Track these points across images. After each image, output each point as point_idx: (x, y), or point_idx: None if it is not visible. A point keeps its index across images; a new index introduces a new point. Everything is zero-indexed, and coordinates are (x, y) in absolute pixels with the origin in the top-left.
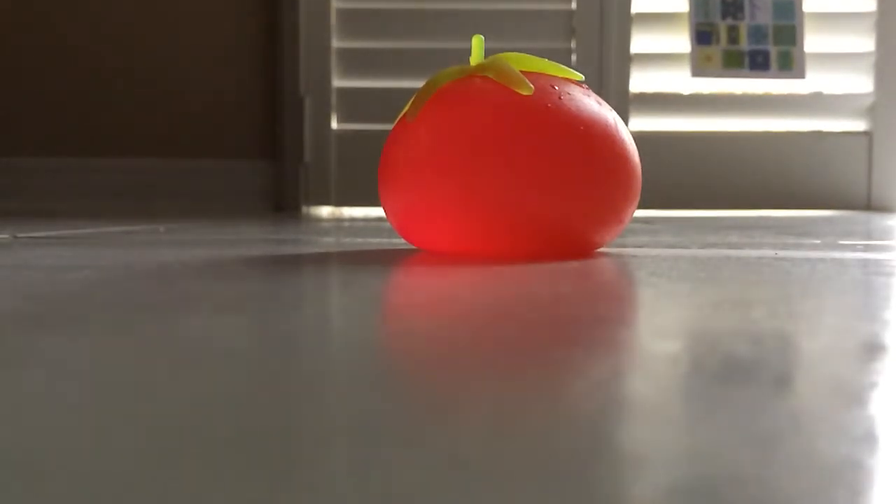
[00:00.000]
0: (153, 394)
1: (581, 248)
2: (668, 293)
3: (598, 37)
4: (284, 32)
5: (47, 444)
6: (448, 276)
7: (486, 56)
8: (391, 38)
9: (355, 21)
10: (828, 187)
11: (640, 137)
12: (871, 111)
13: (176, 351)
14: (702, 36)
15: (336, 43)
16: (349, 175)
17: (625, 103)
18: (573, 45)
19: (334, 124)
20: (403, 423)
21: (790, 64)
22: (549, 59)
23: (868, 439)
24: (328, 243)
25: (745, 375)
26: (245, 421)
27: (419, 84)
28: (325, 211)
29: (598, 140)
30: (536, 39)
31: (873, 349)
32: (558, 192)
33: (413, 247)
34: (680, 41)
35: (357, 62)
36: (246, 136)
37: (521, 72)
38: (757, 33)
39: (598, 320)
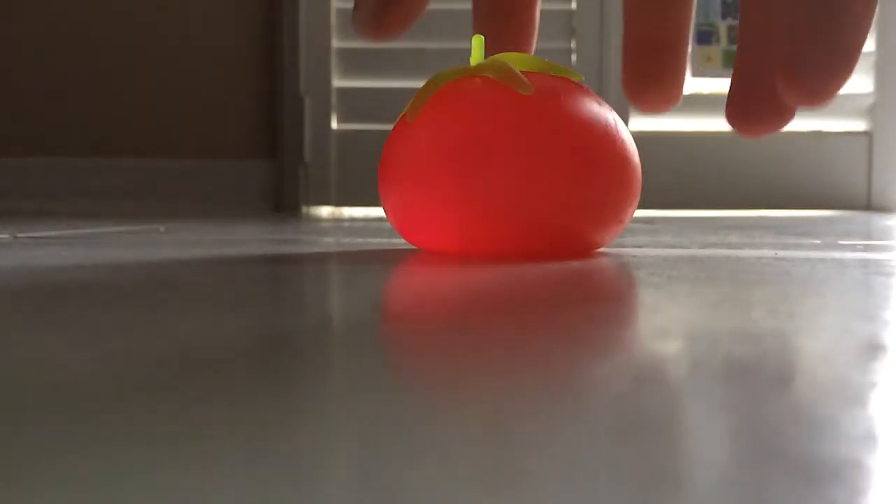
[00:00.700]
0: (153, 394)
1: (581, 248)
2: (668, 293)
3: (598, 37)
4: (284, 32)
5: (44, 443)
6: (447, 276)
7: (486, 56)
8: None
9: None
10: (828, 187)
11: (640, 137)
12: (871, 111)
13: (176, 351)
14: (702, 36)
15: (336, 43)
16: (349, 175)
17: (625, 103)
18: (573, 45)
19: (334, 124)
20: (403, 423)
21: None
22: (549, 59)
23: (868, 439)
24: (328, 243)
25: (745, 375)
26: (245, 420)
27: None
28: (325, 211)
29: (598, 140)
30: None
31: (873, 349)
32: (558, 192)
33: (413, 247)
34: None
35: (357, 62)
36: (246, 136)
37: (521, 72)
38: None
39: (598, 320)
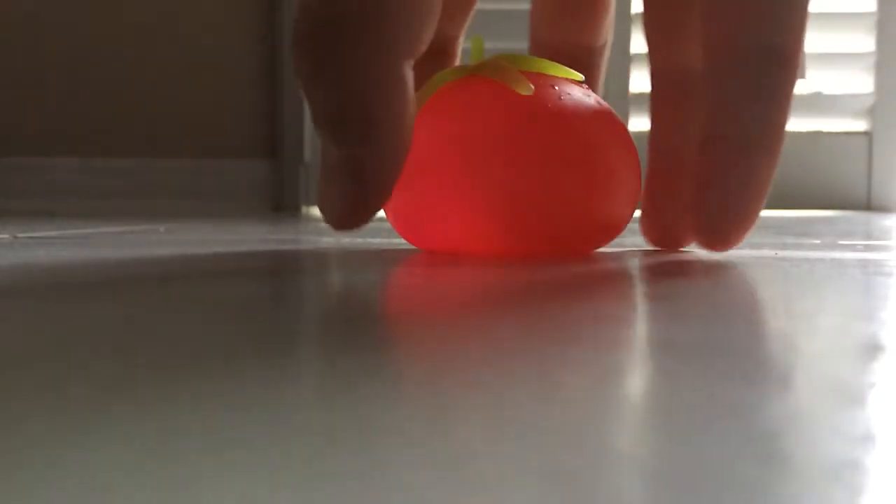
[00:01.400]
0: (153, 394)
1: (581, 249)
2: (668, 293)
3: None
4: (284, 32)
5: (45, 443)
6: (447, 276)
7: (486, 56)
8: None
9: None
10: (828, 187)
11: (640, 137)
12: (871, 111)
13: (176, 351)
14: None
15: None
16: None
17: (625, 103)
18: None
19: None
20: (403, 423)
21: None
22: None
23: (868, 439)
24: (328, 243)
25: (745, 375)
26: (245, 420)
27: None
28: None
29: (599, 140)
30: None
31: (873, 349)
32: (558, 192)
33: (412, 247)
34: None
35: None
36: (246, 136)
37: (521, 72)
38: None
39: (598, 319)
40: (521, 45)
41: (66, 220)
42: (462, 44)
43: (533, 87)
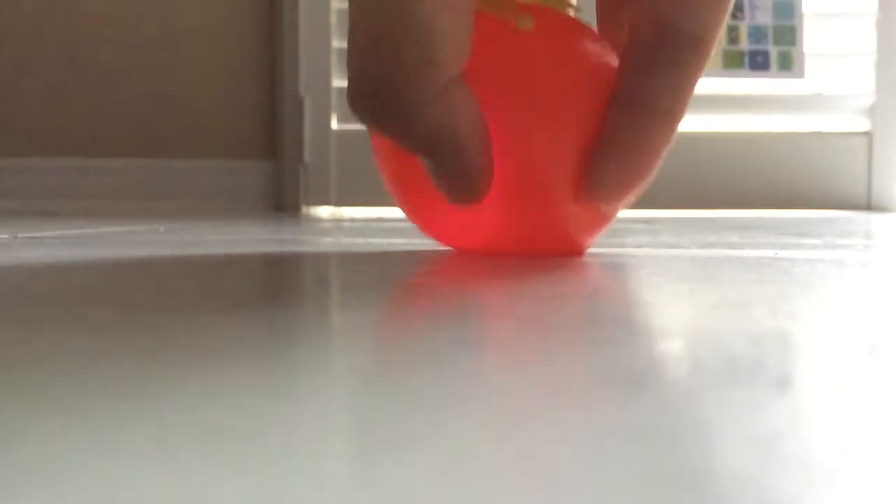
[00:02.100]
0: (153, 393)
1: (569, 243)
2: (668, 293)
3: None
4: (284, 32)
5: (45, 444)
6: (447, 275)
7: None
8: None
9: None
10: (828, 187)
11: None
12: (872, 111)
13: (176, 351)
14: None
15: (336, 43)
16: (349, 175)
17: None
18: None
19: (334, 124)
20: (403, 422)
21: (790, 64)
22: None
23: (867, 439)
24: (328, 243)
25: (745, 375)
26: (245, 420)
27: None
28: (325, 211)
29: (599, 81)
30: None
31: (873, 349)
32: (559, 135)
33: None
34: None
35: None
36: (246, 136)
37: (519, 4)
38: (757, 33)
39: (598, 319)
40: None
41: (66, 220)
42: None
43: (532, 22)
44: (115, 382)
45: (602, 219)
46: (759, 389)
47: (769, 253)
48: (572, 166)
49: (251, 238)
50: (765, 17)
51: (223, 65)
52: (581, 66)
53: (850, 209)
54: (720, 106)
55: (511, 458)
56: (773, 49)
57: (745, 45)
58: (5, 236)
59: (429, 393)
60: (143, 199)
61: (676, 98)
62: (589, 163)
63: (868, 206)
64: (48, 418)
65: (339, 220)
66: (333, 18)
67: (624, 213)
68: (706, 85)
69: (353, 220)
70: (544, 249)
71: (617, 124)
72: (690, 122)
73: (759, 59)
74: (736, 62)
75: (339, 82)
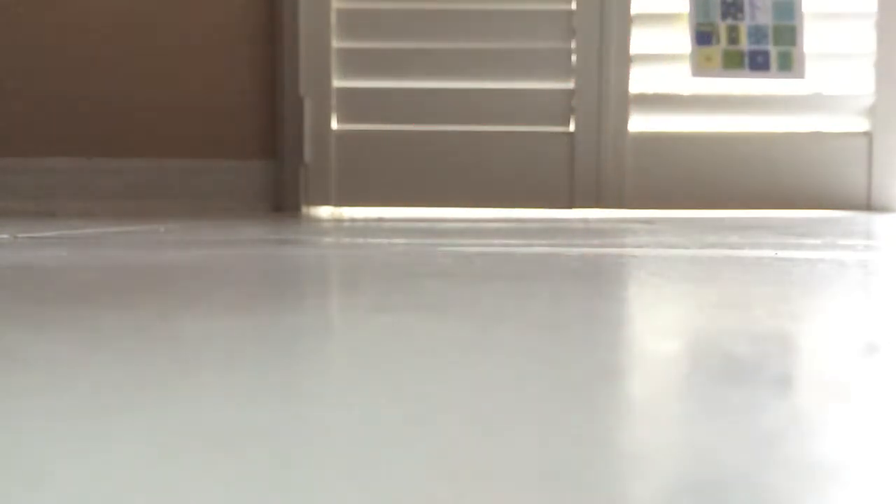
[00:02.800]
0: (153, 393)
1: None
2: (668, 293)
3: (598, 37)
4: (284, 32)
5: (47, 448)
6: (448, 274)
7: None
8: (391, 38)
9: (355, 21)
10: (828, 187)
11: (640, 137)
12: (871, 111)
13: (176, 351)
14: (702, 36)
15: (336, 43)
16: (349, 175)
17: (625, 103)
18: (573, 45)
19: (334, 124)
20: (403, 422)
21: (790, 64)
22: (549, 59)
23: (867, 439)
24: (328, 243)
25: (745, 375)
26: (245, 420)
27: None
28: (325, 211)
29: None
30: (536, 39)
31: (873, 349)
32: None
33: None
34: (680, 41)
35: (357, 63)
36: (246, 136)
37: None
38: (757, 33)
39: (599, 319)
40: (521, 45)
41: (66, 220)
42: None
43: None
44: (115, 382)
45: None
46: (759, 389)
47: (769, 253)
48: None
49: (251, 238)
50: (765, 17)
51: (223, 65)
52: None
53: (850, 209)
54: (720, 106)
55: (507, 457)
56: (773, 49)
57: (745, 45)
58: (5, 236)
59: (428, 393)
60: (143, 199)
61: None
62: None
63: (868, 206)
64: (48, 418)
65: (339, 220)
66: (333, 18)
67: (624, 213)
68: (706, 85)
69: (353, 220)
70: None
71: None
72: (690, 123)
73: (759, 59)
74: (736, 62)
75: (339, 82)
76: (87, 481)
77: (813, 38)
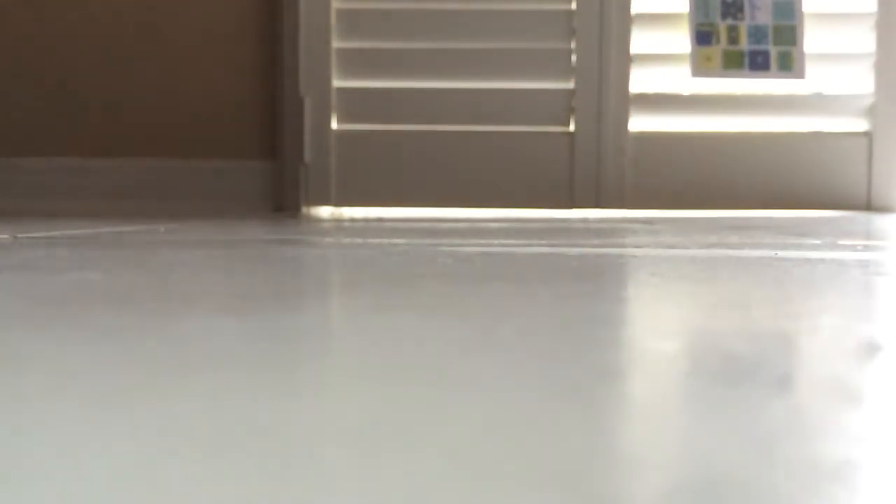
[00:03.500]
0: (153, 393)
1: None
2: (668, 293)
3: (598, 37)
4: (284, 32)
5: (43, 444)
6: (448, 274)
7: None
8: (391, 38)
9: (355, 21)
10: (828, 187)
11: (640, 137)
12: (871, 111)
13: (176, 351)
14: (702, 36)
15: (336, 43)
16: (349, 175)
17: (625, 103)
18: (573, 45)
19: (334, 124)
20: (403, 422)
21: (790, 64)
22: (548, 59)
23: (868, 439)
24: (328, 243)
25: (745, 375)
26: (245, 421)
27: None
28: (325, 211)
29: None
30: (536, 39)
31: (873, 349)
32: None
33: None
34: (680, 41)
35: (357, 63)
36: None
37: None
38: (757, 33)
39: (599, 319)
40: (521, 45)
41: (66, 220)
42: None
43: None
44: (115, 382)
45: None
46: (759, 389)
47: (769, 253)
48: None
49: (251, 238)
50: (765, 18)
51: (223, 65)
52: None
53: (850, 209)
54: (720, 106)
55: (508, 457)
56: (773, 49)
57: (745, 45)
58: (5, 236)
59: (428, 393)
60: (143, 199)
61: None
62: None
63: (868, 206)
64: (49, 418)
65: (339, 220)
66: (333, 18)
67: (624, 213)
68: (706, 85)
69: (353, 220)
70: None
71: None
72: (690, 123)
73: (759, 59)
74: (736, 62)
75: (339, 82)
76: (87, 481)
77: (813, 38)
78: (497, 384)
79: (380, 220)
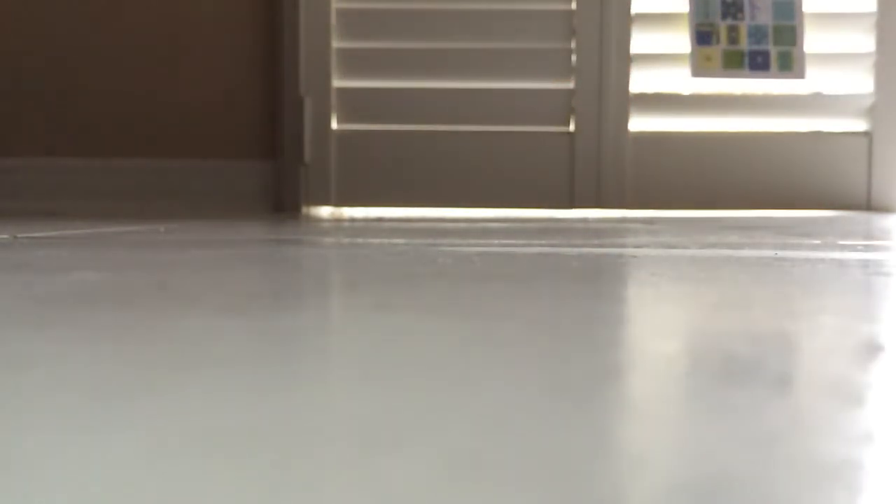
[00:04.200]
0: (153, 393)
1: None
2: (668, 293)
3: (598, 37)
4: (284, 32)
5: (43, 444)
6: (448, 274)
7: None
8: (391, 38)
9: (355, 21)
10: (828, 187)
11: (640, 137)
12: (871, 111)
13: (176, 351)
14: (702, 36)
15: (336, 43)
16: (349, 175)
17: (625, 103)
18: (573, 45)
19: (334, 124)
20: (403, 422)
21: (790, 64)
22: (548, 59)
23: (868, 439)
24: (328, 243)
25: (745, 375)
26: (245, 421)
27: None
28: (325, 211)
29: None
30: (536, 39)
31: (873, 349)
32: None
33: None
34: (680, 41)
35: (357, 63)
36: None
37: None
38: (757, 33)
39: (599, 319)
40: (522, 45)
41: (66, 220)
42: None
43: None
44: (115, 383)
45: None
46: (759, 389)
47: (769, 253)
48: None
49: (251, 238)
50: (765, 18)
51: (223, 65)
52: None
53: (850, 209)
54: (720, 106)
55: (508, 457)
56: (773, 49)
57: (745, 45)
58: (5, 236)
59: (429, 393)
60: (143, 199)
61: None
62: None
63: (868, 206)
64: (49, 418)
65: (339, 220)
66: (333, 18)
67: (624, 213)
68: (706, 85)
69: (353, 220)
70: None
71: None
72: (690, 123)
73: (759, 59)
74: (736, 62)
75: (339, 82)
76: (87, 481)
77: (813, 38)
78: (497, 384)
79: (380, 220)
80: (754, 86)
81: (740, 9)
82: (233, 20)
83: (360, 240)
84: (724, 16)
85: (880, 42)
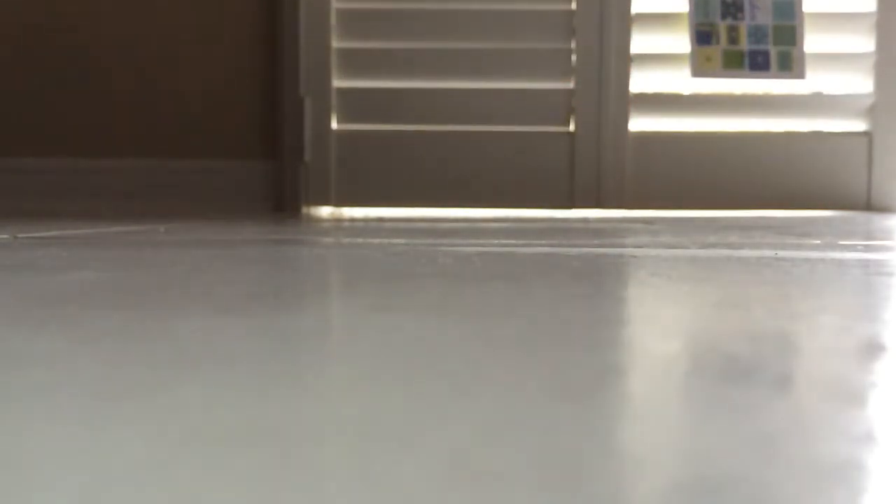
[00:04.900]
0: (153, 392)
1: None
2: (668, 293)
3: (598, 37)
4: (284, 32)
5: (43, 443)
6: (448, 274)
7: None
8: (391, 38)
9: (355, 21)
10: (828, 187)
11: (640, 137)
12: (871, 111)
13: (176, 350)
14: (702, 36)
15: (336, 43)
16: (349, 175)
17: (625, 103)
18: (573, 45)
19: (334, 124)
20: (403, 422)
21: (790, 64)
22: (548, 59)
23: (868, 439)
24: (328, 243)
25: (745, 375)
26: (245, 421)
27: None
28: (325, 211)
29: None
30: (536, 39)
31: (873, 349)
32: None
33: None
34: (680, 41)
35: (357, 62)
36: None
37: None
38: (757, 33)
39: (599, 320)
40: (521, 45)
41: (66, 220)
42: None
43: None
44: (115, 382)
45: None
46: (759, 389)
47: (769, 253)
48: None
49: (251, 238)
50: (765, 18)
51: (223, 65)
52: None
53: (850, 209)
54: (720, 106)
55: (509, 457)
56: (773, 49)
57: (745, 45)
58: (5, 236)
59: (429, 392)
60: (143, 199)
61: None
62: None
63: (868, 206)
64: (48, 418)
65: (339, 220)
66: (333, 18)
67: (624, 213)
68: (706, 85)
69: (353, 220)
70: None
71: None
72: (690, 123)
73: (759, 59)
74: (736, 62)
75: (339, 82)
76: (87, 480)
77: (813, 38)
78: (497, 384)
79: (380, 220)
80: (754, 86)
81: (740, 9)
82: (233, 20)
83: (360, 240)
84: (724, 16)
85: (880, 42)
